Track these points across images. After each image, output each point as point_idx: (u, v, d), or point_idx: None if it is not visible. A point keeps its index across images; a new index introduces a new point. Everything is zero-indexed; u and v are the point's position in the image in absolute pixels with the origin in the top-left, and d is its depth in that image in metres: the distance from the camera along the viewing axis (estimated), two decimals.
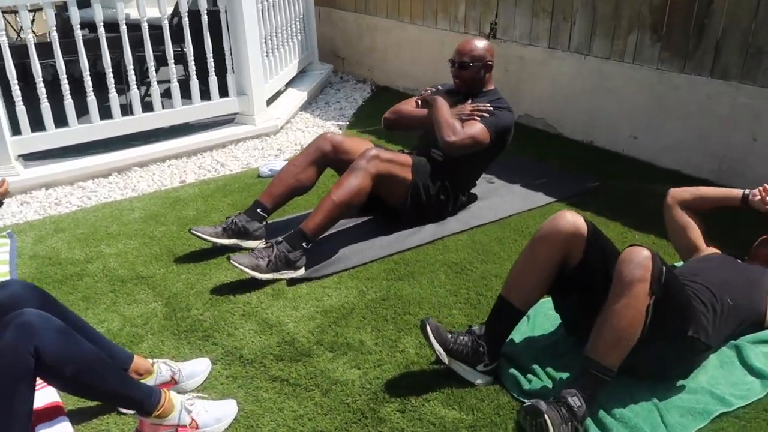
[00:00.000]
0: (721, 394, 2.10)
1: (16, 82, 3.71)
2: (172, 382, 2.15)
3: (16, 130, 3.82)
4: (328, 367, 2.28)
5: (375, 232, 3.27)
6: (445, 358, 2.12)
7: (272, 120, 4.75)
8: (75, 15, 3.79)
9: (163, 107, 4.32)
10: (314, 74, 6.01)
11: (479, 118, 3.21)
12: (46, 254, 3.10)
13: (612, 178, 3.86)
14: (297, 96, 5.38)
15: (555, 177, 3.90)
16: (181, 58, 4.48)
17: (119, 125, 4.14)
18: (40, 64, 3.78)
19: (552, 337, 2.40)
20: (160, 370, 2.13)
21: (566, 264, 2.13)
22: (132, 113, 4.20)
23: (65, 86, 3.86)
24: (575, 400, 1.89)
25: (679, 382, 2.16)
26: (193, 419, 1.94)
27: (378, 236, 3.22)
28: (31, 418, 1.74)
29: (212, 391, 2.19)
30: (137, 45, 4.14)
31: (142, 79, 4.52)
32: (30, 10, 5.51)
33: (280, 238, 2.90)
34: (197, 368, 2.22)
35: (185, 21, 4.24)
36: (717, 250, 2.64)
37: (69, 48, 3.92)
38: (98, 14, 3.86)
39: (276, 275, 2.83)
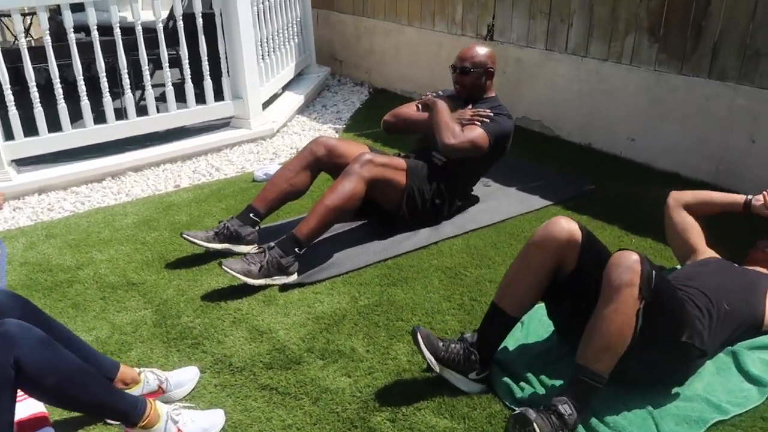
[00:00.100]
0: (718, 401, 2.07)
1: (9, 86, 3.68)
2: (160, 392, 2.12)
3: (8, 134, 3.79)
4: (319, 375, 2.25)
5: (369, 236, 3.24)
6: (436, 367, 2.09)
7: (268, 123, 4.72)
8: (68, 19, 3.76)
9: (158, 111, 4.30)
10: (311, 77, 5.99)
11: (479, 123, 3.20)
12: (37, 261, 3.07)
13: (609, 181, 3.83)
14: (293, 99, 5.36)
15: (552, 180, 3.87)
16: (176, 62, 4.46)
17: (113, 129, 4.11)
18: (34, 68, 3.76)
19: (546, 343, 2.37)
20: (147, 379, 2.10)
21: (560, 270, 2.10)
22: (126, 117, 4.17)
23: (59, 90, 3.84)
24: (566, 408, 1.85)
25: (674, 389, 2.12)
26: (179, 429, 1.91)
27: (372, 241, 3.19)
28: (12, 429, 1.71)
29: (200, 401, 2.15)
30: (132, 48, 4.12)
31: (137, 83, 4.49)
32: (26, 14, 5.51)
33: (272, 243, 2.87)
34: (185, 377, 2.19)
35: (180, 24, 4.22)
36: (715, 254, 2.61)
37: (63, 52, 3.90)
38: (92, 18, 3.83)
39: (268, 281, 2.80)
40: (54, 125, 3.90)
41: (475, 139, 3.15)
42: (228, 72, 4.48)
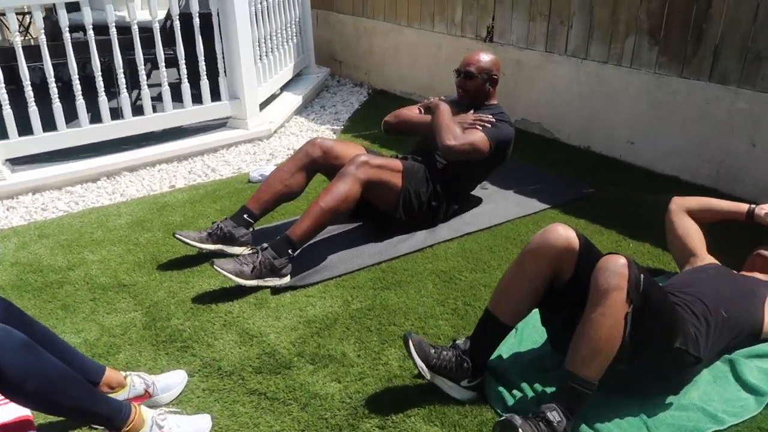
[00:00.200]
0: (714, 411, 2.03)
1: (4, 85, 3.65)
2: (146, 396, 2.09)
3: (3, 133, 3.76)
4: (308, 380, 2.22)
5: (364, 239, 3.20)
6: (427, 374, 2.05)
7: (265, 124, 4.69)
8: (63, 18, 3.73)
9: (155, 111, 4.27)
10: (310, 78, 5.96)
11: (481, 128, 3.19)
12: (28, 261, 3.04)
13: (608, 184, 3.79)
14: (292, 100, 5.33)
15: (550, 183, 3.83)
16: (173, 62, 4.43)
17: (109, 129, 4.08)
18: (29, 67, 3.73)
19: (540, 350, 2.33)
20: (134, 383, 2.07)
21: (556, 279, 2.05)
22: (122, 117, 4.14)
23: (53, 89, 3.81)
24: (554, 415, 1.81)
25: (669, 398, 2.09)
26: None
27: (367, 243, 3.15)
28: None
29: (187, 405, 2.12)
30: (129, 48, 4.09)
31: (134, 83, 4.46)
32: (25, 13, 5.50)
33: (265, 245, 2.84)
34: (173, 381, 2.16)
35: (176, 24, 4.19)
36: (715, 261, 2.58)
37: (58, 51, 3.87)
38: (87, 17, 3.81)
39: (260, 282, 2.76)
40: (49, 124, 3.87)
41: (475, 142, 3.13)
42: (225, 72, 4.45)
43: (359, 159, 3.00)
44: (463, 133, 3.15)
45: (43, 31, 3.71)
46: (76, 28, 4.35)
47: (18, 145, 3.81)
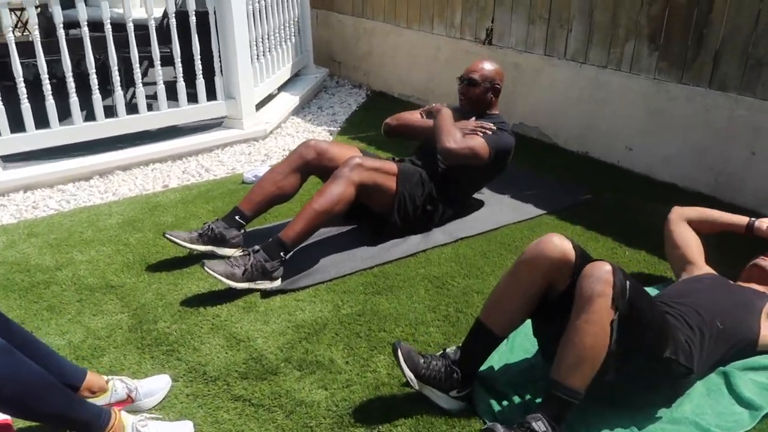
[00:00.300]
0: (707, 425, 1.99)
1: None
2: (129, 401, 2.05)
3: None
4: (294, 387, 2.17)
5: (358, 242, 3.17)
6: (415, 385, 2.01)
7: (261, 124, 4.65)
8: (58, 14, 3.70)
9: (151, 109, 4.23)
10: (309, 78, 5.92)
11: (481, 134, 3.18)
12: (16, 260, 3.00)
13: (606, 191, 3.75)
14: (289, 100, 5.29)
15: (546, 188, 3.79)
16: (170, 60, 4.39)
17: (102, 127, 4.05)
18: (22, 63, 3.69)
19: (531, 359, 2.29)
20: (115, 387, 2.03)
21: (551, 290, 2.00)
22: (116, 115, 4.10)
23: (47, 86, 3.77)
24: (539, 425, 1.77)
25: (661, 411, 2.04)
26: None
27: (360, 247, 3.11)
28: None
29: (170, 411, 2.08)
30: (126, 46, 4.06)
31: (129, 81, 4.42)
32: (21, 9, 5.46)
33: (257, 247, 2.80)
34: (156, 386, 2.12)
35: (172, 22, 4.15)
36: (712, 271, 2.54)
37: (52, 47, 3.84)
38: (82, 13, 3.77)
39: (251, 285, 2.72)
40: (43, 122, 3.84)
41: (475, 147, 3.12)
42: (221, 71, 4.41)
43: (353, 161, 2.97)
44: (463, 138, 3.13)
45: (36, 27, 3.67)
46: (74, 24, 4.32)
47: (10, 142, 3.77)
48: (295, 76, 5.82)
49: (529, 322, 2.25)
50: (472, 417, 2.04)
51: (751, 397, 2.08)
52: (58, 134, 3.90)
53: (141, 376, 2.21)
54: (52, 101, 3.81)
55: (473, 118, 3.32)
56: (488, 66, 3.34)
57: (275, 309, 2.62)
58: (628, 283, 1.82)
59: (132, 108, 4.21)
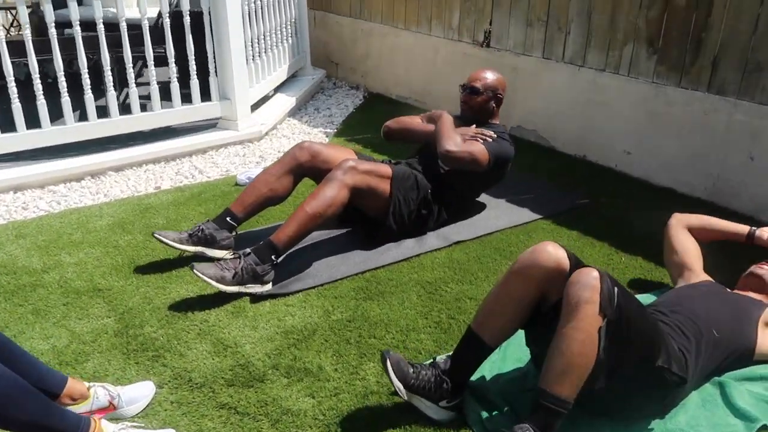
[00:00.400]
0: None
1: None
2: (111, 408, 2.00)
3: None
4: (281, 395, 2.13)
5: (351, 245, 3.12)
6: (404, 395, 1.97)
7: (256, 126, 4.61)
8: (49, 13, 3.65)
9: (145, 110, 4.19)
10: (305, 79, 5.87)
11: (482, 141, 3.17)
12: (2, 262, 2.95)
13: (603, 195, 3.71)
14: (285, 101, 5.24)
15: (543, 192, 3.74)
16: (164, 60, 4.35)
17: (95, 128, 4.00)
18: (13, 62, 3.65)
19: (524, 368, 2.24)
20: (97, 394, 1.99)
21: (544, 300, 1.96)
22: (109, 116, 4.06)
23: (38, 86, 3.72)
24: None
25: (655, 422, 2.00)
26: None
27: (353, 250, 3.07)
28: None
29: (154, 419, 2.04)
30: (118, 45, 4.01)
31: (123, 81, 4.38)
32: (12, 8, 5.42)
33: (248, 250, 2.76)
34: (139, 393, 2.07)
35: (166, 22, 4.11)
36: (710, 278, 2.50)
37: (44, 46, 3.79)
38: (74, 13, 3.73)
39: (242, 289, 2.68)
40: (34, 122, 3.79)
41: (474, 152, 3.10)
42: (216, 72, 4.37)
43: (347, 164, 2.94)
44: (464, 143, 3.12)
45: (27, 26, 3.63)
46: (69, 24, 4.26)
47: (0, 142, 3.72)
48: (292, 77, 5.78)
49: (521, 331, 2.21)
50: (462, 427, 2.00)
51: (747, 408, 2.04)
52: (49, 134, 3.86)
53: (125, 382, 2.17)
54: (44, 101, 3.77)
55: (473, 126, 3.31)
56: (491, 75, 3.34)
57: (264, 314, 2.57)
58: (616, 289, 1.77)
59: (125, 108, 4.16)
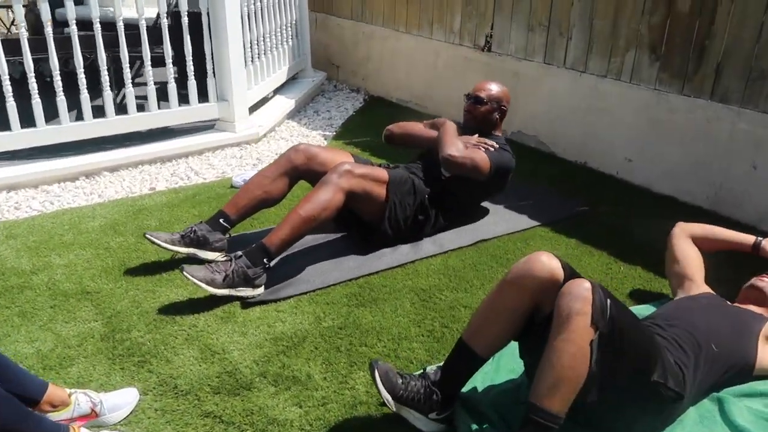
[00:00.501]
0: None
1: None
2: (93, 415, 1.96)
3: None
4: (268, 404, 2.08)
5: (345, 250, 3.08)
6: (393, 406, 1.92)
7: (254, 128, 4.56)
8: (45, 11, 3.62)
9: (144, 110, 4.15)
10: (306, 82, 5.83)
11: (483, 150, 3.16)
12: None
13: (603, 203, 3.65)
14: (284, 103, 5.20)
15: (542, 199, 3.69)
16: (163, 61, 4.31)
17: (90, 128, 3.96)
18: (8, 61, 3.61)
19: (517, 379, 2.19)
20: (79, 401, 1.94)
21: (538, 311, 1.90)
22: (105, 116, 4.01)
23: (33, 85, 3.68)
24: None
25: None
26: None
27: (347, 255, 3.02)
28: None
29: (136, 426, 1.99)
30: (116, 45, 3.97)
31: (120, 81, 4.34)
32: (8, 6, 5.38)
33: (239, 253, 2.71)
34: (122, 400, 2.03)
35: (164, 22, 4.08)
36: (710, 290, 2.45)
37: (40, 45, 3.75)
38: (70, 12, 3.69)
39: (232, 292, 2.63)
40: (29, 121, 3.75)
41: (476, 159, 3.09)
42: (214, 73, 4.33)
43: (342, 167, 2.89)
44: (466, 149, 3.11)
45: (23, 24, 3.59)
46: (67, 23, 4.23)
47: None
48: (292, 80, 5.74)
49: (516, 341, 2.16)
50: None
51: (746, 425, 1.98)
52: (44, 134, 3.82)
53: (109, 388, 2.12)
54: (38, 100, 3.73)
55: (476, 135, 3.29)
56: (496, 87, 3.35)
57: (254, 320, 2.53)
58: (609, 301, 1.72)
59: (122, 108, 4.12)
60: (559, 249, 3.13)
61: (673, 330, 2.08)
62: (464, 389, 2.07)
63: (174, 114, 4.28)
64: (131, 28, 4.00)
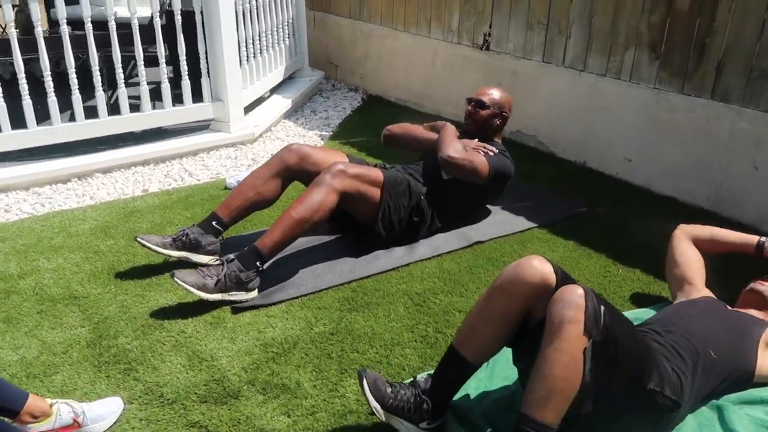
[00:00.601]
0: None
1: None
2: (75, 426, 1.91)
3: None
4: (255, 413, 2.03)
5: (339, 252, 3.03)
6: (382, 416, 1.86)
7: (249, 128, 4.51)
8: (35, 11, 3.57)
9: (139, 110, 4.10)
10: (303, 81, 5.78)
11: (483, 154, 3.14)
12: None
13: (602, 204, 3.60)
14: (281, 103, 5.15)
15: (540, 200, 3.63)
16: (156, 60, 4.26)
17: (82, 129, 3.91)
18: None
19: (512, 386, 2.14)
20: (60, 411, 1.89)
21: (530, 317, 1.85)
22: (98, 116, 3.97)
23: (23, 85, 3.63)
24: None
25: None
26: None
27: (341, 258, 2.97)
28: None
29: None
30: (108, 44, 3.92)
31: (113, 81, 4.29)
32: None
33: (231, 256, 2.66)
34: (106, 409, 1.98)
35: (157, 21, 4.03)
36: (710, 294, 2.39)
37: (31, 45, 3.71)
38: (60, 11, 3.64)
39: (225, 296, 2.58)
40: (20, 122, 3.71)
41: (475, 162, 3.06)
42: (208, 73, 4.28)
43: (336, 167, 2.85)
44: (465, 151, 3.08)
45: (13, 24, 3.55)
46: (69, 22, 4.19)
47: None
48: (289, 79, 5.69)
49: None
50: None
51: None
52: (35, 135, 3.77)
53: (94, 397, 2.08)
54: (29, 100, 3.68)
55: (476, 140, 3.26)
56: (500, 93, 3.34)
57: (244, 325, 2.48)
58: (602, 308, 1.66)
59: (115, 109, 4.07)
60: (557, 251, 3.08)
61: (671, 336, 2.03)
62: (457, 397, 2.02)
63: (168, 114, 4.24)
64: (124, 27, 3.95)
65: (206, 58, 4.24)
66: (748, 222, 3.34)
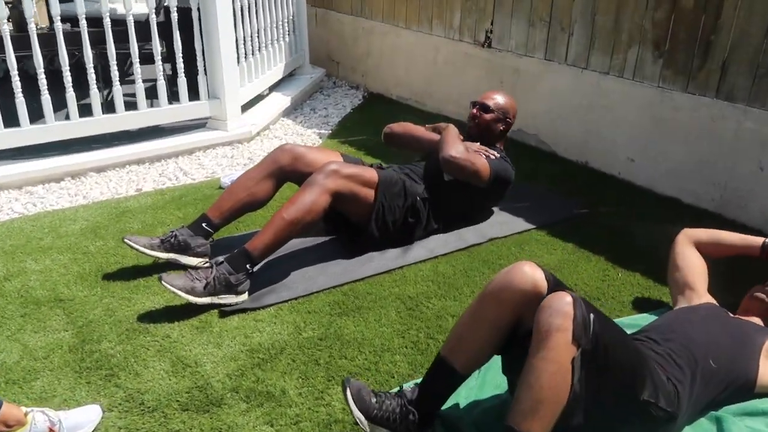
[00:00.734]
0: None
1: None
2: None
3: None
4: (237, 422, 1.97)
5: (332, 254, 2.97)
6: (366, 427, 1.80)
7: (246, 126, 4.45)
8: (28, 8, 3.52)
9: (136, 108, 4.05)
10: (303, 78, 5.71)
11: (485, 157, 3.10)
12: None
13: (603, 204, 3.52)
14: (280, 101, 5.08)
15: (539, 200, 3.56)
16: (152, 58, 4.20)
17: (76, 127, 3.86)
18: None
19: (503, 395, 2.07)
20: (35, 420, 1.83)
21: (521, 325, 1.78)
22: (92, 115, 3.92)
23: (16, 83, 3.59)
24: None
25: None
26: None
27: (333, 260, 2.91)
28: None
29: None
30: (103, 42, 3.87)
31: (108, 79, 4.24)
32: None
33: (220, 258, 2.61)
34: (84, 418, 1.92)
35: (152, 18, 3.97)
36: (712, 300, 2.32)
37: (25, 42, 3.66)
38: (54, 8, 3.59)
39: (214, 299, 2.53)
40: (14, 120, 3.66)
41: (477, 163, 3.01)
42: (205, 70, 4.22)
43: (329, 167, 2.79)
44: (467, 152, 3.03)
45: (7, 21, 3.50)
46: (65, 19, 4.14)
47: None
48: (290, 76, 5.62)
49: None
50: None
51: None
52: (29, 133, 3.72)
53: (73, 404, 2.02)
54: (22, 98, 3.63)
55: (478, 143, 3.21)
56: (504, 98, 3.30)
57: (231, 330, 2.42)
58: (592, 315, 1.60)
59: (110, 107, 4.02)
60: (555, 253, 3.00)
61: (669, 344, 1.96)
62: (446, 405, 1.96)
63: (164, 112, 4.18)
64: (120, 24, 3.89)
65: (203, 55, 4.18)
66: (753, 224, 3.25)
